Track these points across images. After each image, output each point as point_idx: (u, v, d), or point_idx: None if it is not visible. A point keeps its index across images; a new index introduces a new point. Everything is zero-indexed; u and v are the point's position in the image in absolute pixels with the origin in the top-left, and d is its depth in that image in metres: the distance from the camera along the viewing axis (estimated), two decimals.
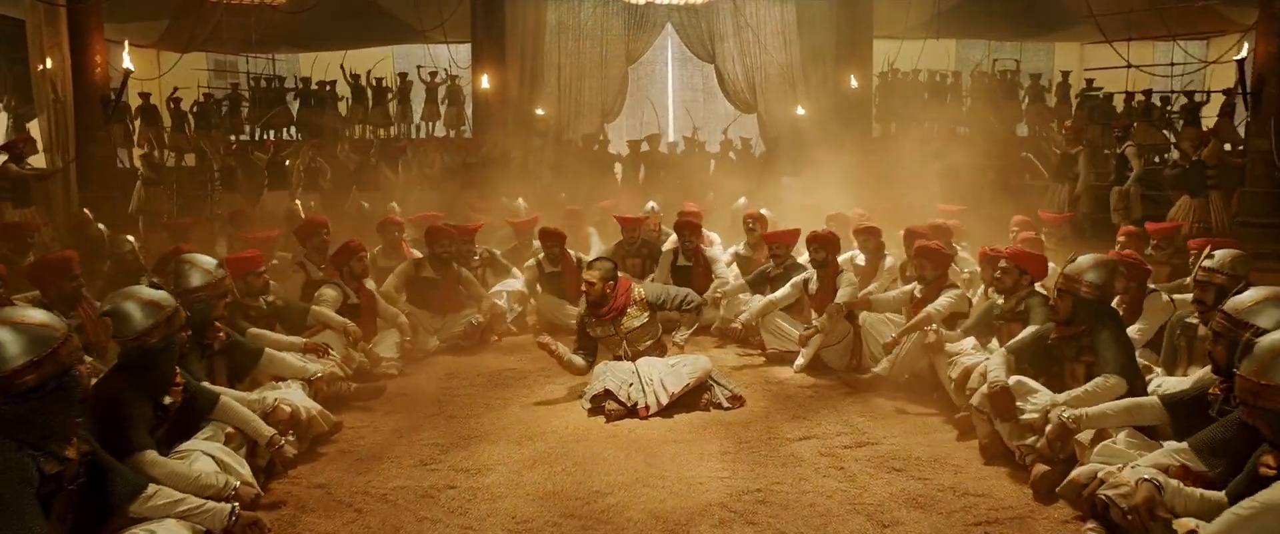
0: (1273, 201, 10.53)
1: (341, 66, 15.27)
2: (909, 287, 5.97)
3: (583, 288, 5.48)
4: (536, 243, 8.53)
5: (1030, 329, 4.57)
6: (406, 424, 5.04)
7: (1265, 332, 2.90)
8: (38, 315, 2.92)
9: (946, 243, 7.25)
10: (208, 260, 4.82)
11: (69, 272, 5.05)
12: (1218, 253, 4.60)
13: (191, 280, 4.64)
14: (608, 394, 5.14)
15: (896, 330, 5.59)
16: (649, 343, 5.59)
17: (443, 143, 14.86)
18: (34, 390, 2.74)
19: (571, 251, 7.78)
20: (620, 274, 5.64)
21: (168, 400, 3.70)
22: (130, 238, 6.83)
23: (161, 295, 3.80)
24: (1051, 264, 6.36)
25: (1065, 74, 15.95)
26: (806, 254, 6.77)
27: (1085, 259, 4.31)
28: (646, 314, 5.57)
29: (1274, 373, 2.66)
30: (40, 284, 5.10)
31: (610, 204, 10.16)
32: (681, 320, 5.81)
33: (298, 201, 10.01)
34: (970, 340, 5.13)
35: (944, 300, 5.45)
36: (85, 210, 8.72)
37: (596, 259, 5.72)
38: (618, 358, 5.54)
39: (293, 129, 15.55)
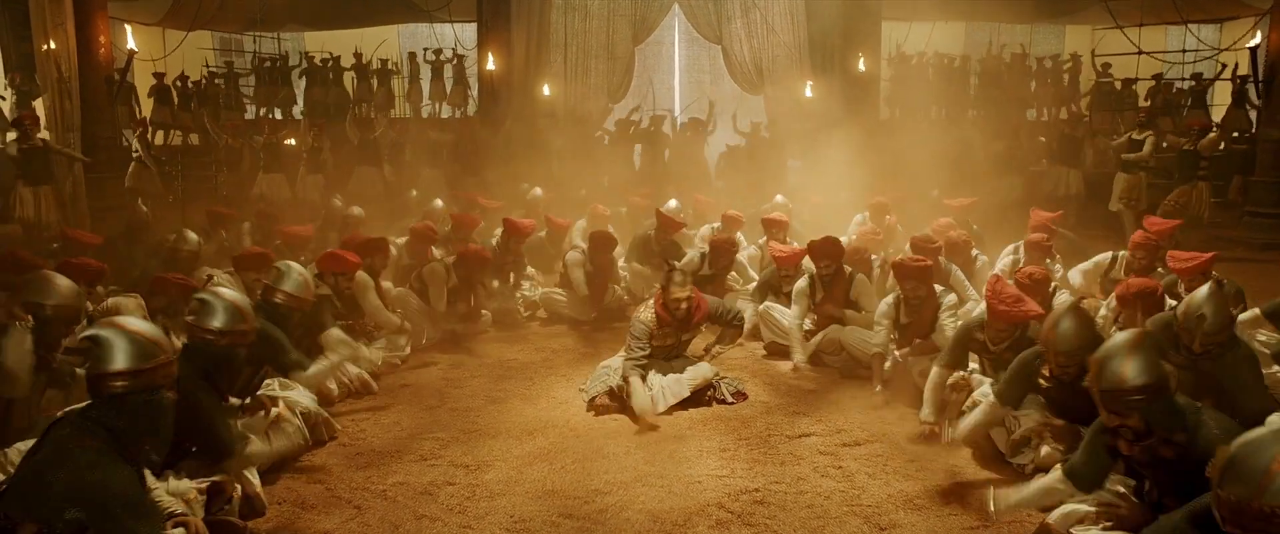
0: None
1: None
2: (890, 301, 5.72)
3: (668, 306, 5.21)
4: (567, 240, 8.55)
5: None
6: (408, 418, 5.07)
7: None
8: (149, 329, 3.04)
9: (965, 257, 7.07)
10: (305, 274, 4.92)
11: (186, 292, 5.29)
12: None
13: (284, 285, 4.80)
14: (612, 393, 5.14)
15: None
16: (682, 353, 5.55)
17: (445, 123, 14.83)
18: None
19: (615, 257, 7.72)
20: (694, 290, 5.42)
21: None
22: (194, 236, 6.89)
23: (248, 307, 4.01)
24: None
25: (1075, 57, 15.78)
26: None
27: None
28: (703, 326, 5.59)
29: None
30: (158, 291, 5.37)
31: (644, 201, 9.95)
32: (724, 334, 5.79)
33: (338, 200, 9.78)
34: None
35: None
36: (140, 203, 8.70)
37: (675, 269, 5.35)
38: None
39: (298, 109, 15.53)
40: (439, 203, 9.50)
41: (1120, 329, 5.54)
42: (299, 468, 4.31)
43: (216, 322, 3.86)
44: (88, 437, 2.78)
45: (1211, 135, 10.76)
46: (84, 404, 2.91)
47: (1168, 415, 3.07)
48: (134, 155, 12.31)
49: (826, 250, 6.19)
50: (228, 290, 4.11)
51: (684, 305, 5.22)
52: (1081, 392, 3.87)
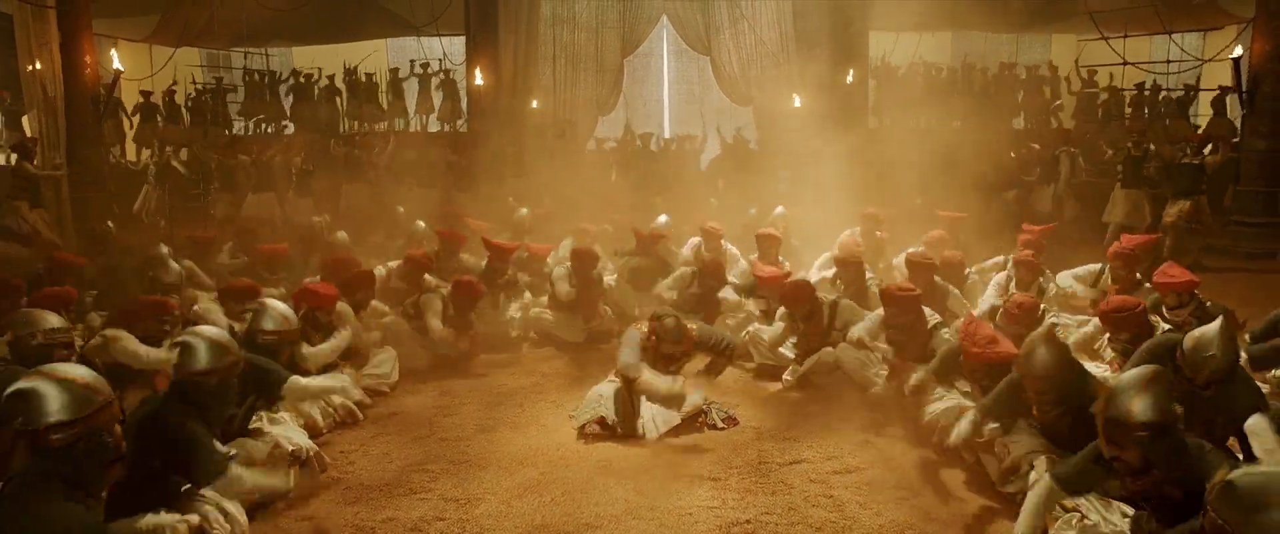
0: (1268, 201, 10.55)
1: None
2: (875, 318, 5.78)
3: (666, 351, 5.29)
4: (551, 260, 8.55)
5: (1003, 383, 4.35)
6: (398, 449, 5.03)
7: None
8: (83, 374, 3.02)
9: (959, 277, 7.12)
10: (284, 309, 5.02)
11: (160, 314, 5.39)
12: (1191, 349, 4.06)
13: (265, 324, 4.89)
14: (602, 421, 5.13)
15: (868, 366, 5.70)
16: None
17: (433, 137, 14.83)
18: (67, 448, 2.85)
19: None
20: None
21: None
22: (175, 266, 6.92)
23: (230, 340, 4.03)
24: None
25: (1054, 69, 15.92)
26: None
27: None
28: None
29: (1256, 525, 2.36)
30: (130, 324, 5.24)
31: (621, 218, 10.02)
32: (714, 364, 5.69)
33: (318, 218, 9.79)
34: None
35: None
36: (109, 224, 8.69)
37: (670, 317, 5.41)
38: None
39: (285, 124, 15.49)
40: (421, 224, 9.48)
41: (1109, 345, 5.67)
42: (288, 505, 4.27)
43: (202, 363, 3.86)
44: (39, 484, 2.80)
45: (1218, 150, 10.72)
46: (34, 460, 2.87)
47: (1171, 456, 3.09)
48: (148, 179, 12.32)
49: (798, 296, 6.07)
50: (208, 328, 4.13)
51: (679, 350, 5.30)
52: (1067, 417, 3.92)
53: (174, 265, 6.87)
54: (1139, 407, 3.08)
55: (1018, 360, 4.04)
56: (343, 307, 6.00)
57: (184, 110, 15.05)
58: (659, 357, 5.29)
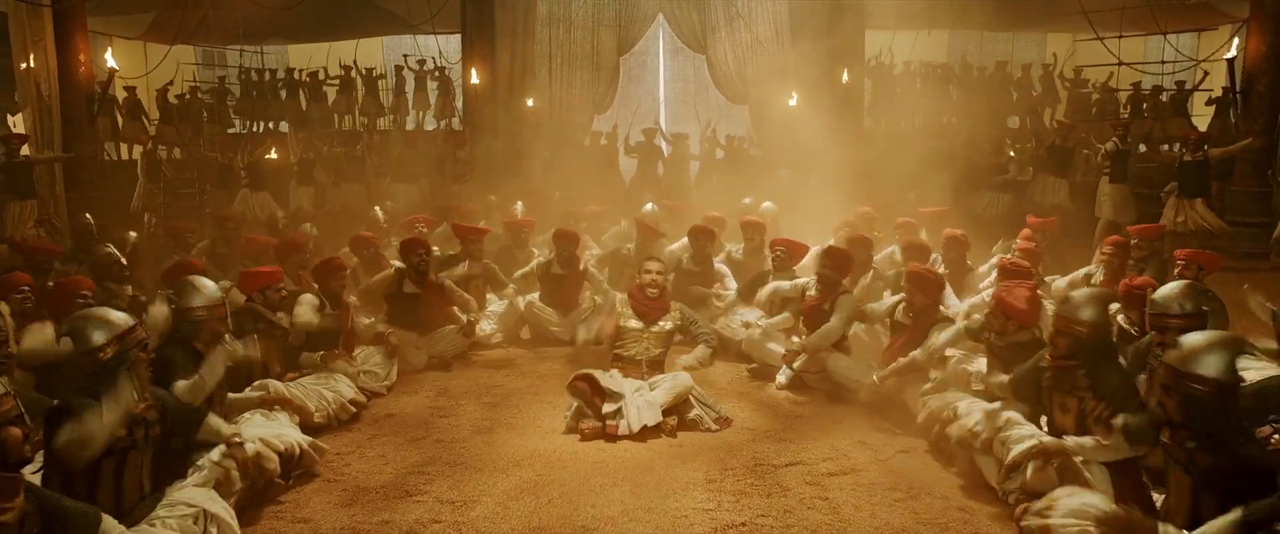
0: (1262, 201, 10.58)
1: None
2: (895, 299, 5.95)
3: (642, 278, 5.75)
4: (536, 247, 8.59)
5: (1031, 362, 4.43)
6: (393, 450, 5.04)
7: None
8: None
9: (961, 253, 7.23)
10: (209, 284, 4.79)
11: (77, 293, 5.42)
12: (1158, 295, 4.39)
13: (192, 301, 4.63)
14: (589, 381, 5.19)
15: (855, 370, 5.80)
16: (659, 353, 5.66)
17: (426, 136, 14.84)
18: None
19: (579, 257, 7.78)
20: None
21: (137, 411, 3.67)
22: (110, 247, 6.94)
23: (118, 315, 3.79)
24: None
25: (1047, 67, 15.96)
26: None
27: (1079, 296, 4.12)
28: (673, 326, 5.74)
29: None
30: (53, 308, 5.29)
31: (600, 209, 10.10)
32: (698, 354, 5.88)
33: (281, 214, 9.94)
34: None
35: (933, 345, 5.37)
36: (87, 216, 8.75)
37: (651, 258, 5.98)
38: (622, 360, 5.59)
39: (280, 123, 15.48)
40: (378, 210, 9.78)
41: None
42: (282, 507, 4.27)
43: (95, 339, 3.63)
44: None
45: (1243, 142, 10.68)
46: None
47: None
48: (140, 173, 12.31)
49: (838, 257, 6.25)
50: (92, 309, 3.96)
51: (661, 279, 5.67)
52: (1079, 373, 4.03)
53: (108, 247, 6.98)
54: (1202, 361, 3.14)
55: (1058, 303, 4.20)
56: (307, 296, 5.96)
57: (174, 111, 15.00)
58: (640, 295, 5.69)
